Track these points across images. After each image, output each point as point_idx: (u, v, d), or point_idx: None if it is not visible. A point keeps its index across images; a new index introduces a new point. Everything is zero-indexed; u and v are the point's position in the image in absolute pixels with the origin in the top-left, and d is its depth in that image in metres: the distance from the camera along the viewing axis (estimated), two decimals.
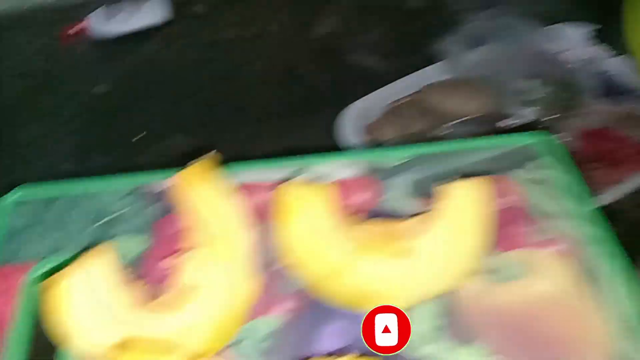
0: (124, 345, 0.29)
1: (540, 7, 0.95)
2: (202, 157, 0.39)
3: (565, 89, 0.84)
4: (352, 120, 0.83)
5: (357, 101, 0.86)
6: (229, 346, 0.36)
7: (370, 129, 0.83)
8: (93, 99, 0.92)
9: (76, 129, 0.87)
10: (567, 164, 0.44)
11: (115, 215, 0.44)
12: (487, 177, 0.38)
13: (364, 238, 0.37)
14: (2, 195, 0.46)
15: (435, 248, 0.36)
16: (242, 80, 0.95)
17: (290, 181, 0.37)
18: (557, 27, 0.90)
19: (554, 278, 0.39)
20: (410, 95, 0.88)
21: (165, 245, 0.41)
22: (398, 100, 0.88)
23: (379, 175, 0.44)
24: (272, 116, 0.88)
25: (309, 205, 0.37)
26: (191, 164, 0.38)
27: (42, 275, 0.40)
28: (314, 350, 0.36)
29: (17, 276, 0.40)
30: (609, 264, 0.38)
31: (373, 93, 0.87)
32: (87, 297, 0.33)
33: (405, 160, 0.45)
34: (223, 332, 0.35)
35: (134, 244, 0.42)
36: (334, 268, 0.36)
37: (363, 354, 0.33)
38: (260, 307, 0.38)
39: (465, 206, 0.37)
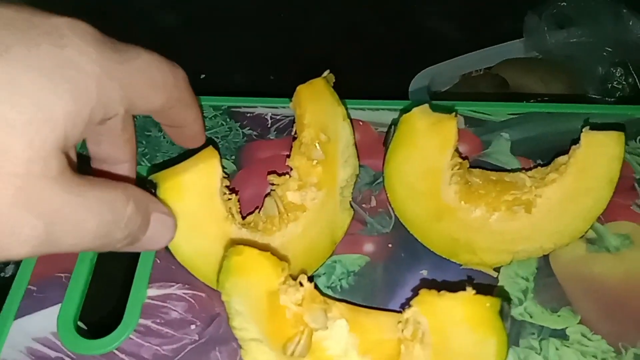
0: (234, 249, 0.28)
1: None
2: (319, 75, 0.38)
3: None
4: (423, 86, 0.81)
5: (430, 67, 0.84)
6: (317, 276, 0.35)
7: (441, 97, 0.81)
8: (159, 30, 0.92)
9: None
10: None
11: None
12: (623, 131, 0.35)
13: (472, 185, 0.36)
14: None
15: (556, 203, 0.35)
16: (310, 33, 0.93)
17: (415, 108, 0.35)
18: None
19: None
20: (486, 68, 0.86)
21: (255, 169, 0.41)
22: (472, 72, 0.86)
23: (479, 130, 0.43)
24: (342, 67, 0.86)
25: (429, 137, 0.35)
26: (310, 81, 0.37)
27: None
28: (397, 295, 0.35)
29: None
30: None
31: (447, 61, 0.85)
32: (195, 198, 0.32)
33: (509, 117, 0.43)
34: (316, 256, 0.34)
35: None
36: (437, 211, 0.35)
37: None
38: (349, 243, 0.37)
39: (599, 159, 0.35)
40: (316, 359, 0.29)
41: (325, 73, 0.38)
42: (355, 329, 0.30)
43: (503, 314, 0.27)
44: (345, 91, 0.45)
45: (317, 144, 0.36)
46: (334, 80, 0.38)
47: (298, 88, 0.37)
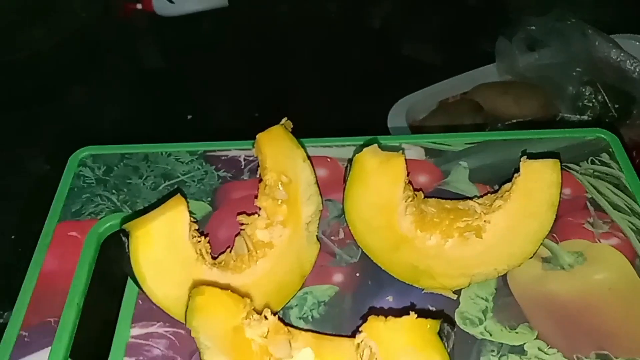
0: (196, 290, 0.31)
1: (601, 16, 0.94)
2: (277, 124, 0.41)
3: (620, 98, 0.83)
4: (401, 116, 0.84)
5: (408, 96, 0.87)
6: (289, 308, 0.38)
7: (419, 125, 0.84)
8: (144, 73, 0.95)
9: (124, 101, 0.90)
10: (627, 163, 0.45)
11: (181, 179, 0.46)
12: (558, 159, 0.38)
13: (426, 214, 0.38)
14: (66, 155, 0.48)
15: (504, 227, 0.37)
16: (295, 61, 0.97)
17: (365, 149, 0.38)
18: (617, 36, 0.89)
19: (608, 271, 0.39)
20: (462, 93, 0.89)
21: (229, 209, 0.43)
22: (448, 98, 0.89)
23: (439, 160, 0.45)
24: (323, 99, 0.89)
25: (379, 175, 0.38)
26: (269, 129, 0.40)
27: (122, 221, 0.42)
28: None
29: (79, 231, 0.43)
30: None
31: (425, 89, 0.88)
32: (164, 245, 0.35)
33: (466, 147, 0.46)
34: (286, 290, 0.37)
35: (198, 208, 0.44)
36: (395, 241, 0.37)
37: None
38: (319, 275, 0.39)
39: (538, 186, 0.37)
40: None
41: (283, 121, 0.41)
42: (320, 355, 0.32)
43: (443, 334, 0.30)
44: (322, 123, 0.48)
45: (279, 185, 0.38)
46: (291, 127, 0.41)
47: (258, 136, 0.40)
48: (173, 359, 0.36)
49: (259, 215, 0.40)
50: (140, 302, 0.39)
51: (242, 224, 0.40)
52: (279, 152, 0.39)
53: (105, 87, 0.93)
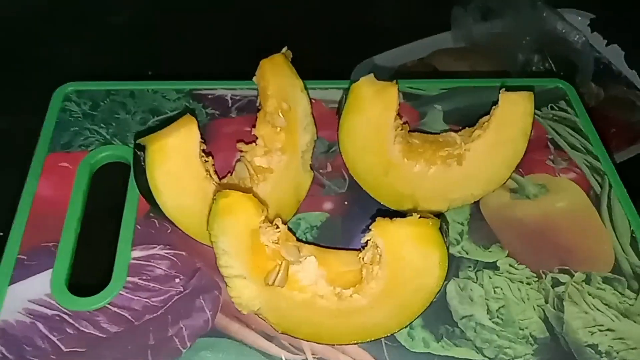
0: (221, 192, 0.33)
1: None
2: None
3: (565, 66, 0.90)
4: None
5: (369, 59, 0.90)
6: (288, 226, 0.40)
7: None
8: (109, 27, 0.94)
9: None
10: (582, 109, 0.50)
11: (169, 114, 0.47)
12: (531, 92, 0.42)
13: (412, 145, 0.42)
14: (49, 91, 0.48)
15: (482, 154, 0.41)
16: (260, 21, 0.98)
17: (363, 78, 0.41)
18: (564, 10, 0.96)
19: (567, 200, 0.44)
20: (419, 59, 0.93)
21: (220, 143, 0.45)
22: (407, 63, 0.93)
23: (416, 103, 0.49)
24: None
25: (374, 103, 0.41)
26: (271, 56, 0.42)
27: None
28: (354, 243, 0.40)
29: (70, 162, 0.43)
30: (612, 192, 0.44)
31: (384, 53, 0.92)
32: (179, 159, 0.36)
33: (440, 92, 0.50)
34: (284, 212, 0.39)
35: None
36: (384, 167, 0.40)
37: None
38: (311, 203, 0.42)
39: (514, 115, 0.41)
40: (292, 289, 0.34)
41: (284, 49, 0.43)
42: (322, 264, 0.35)
43: (442, 231, 0.33)
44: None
45: (280, 112, 0.41)
46: (291, 56, 0.43)
47: (262, 62, 0.42)
48: (176, 277, 0.38)
49: (256, 144, 0.42)
50: (139, 227, 0.40)
51: (242, 151, 0.42)
52: (280, 80, 0.41)
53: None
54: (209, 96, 0.49)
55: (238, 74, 0.51)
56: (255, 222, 0.34)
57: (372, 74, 0.42)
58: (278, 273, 0.33)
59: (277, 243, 0.34)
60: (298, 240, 0.38)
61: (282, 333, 0.34)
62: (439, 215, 0.41)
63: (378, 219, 0.34)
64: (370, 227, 0.34)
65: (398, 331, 0.34)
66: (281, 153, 0.41)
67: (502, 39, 0.93)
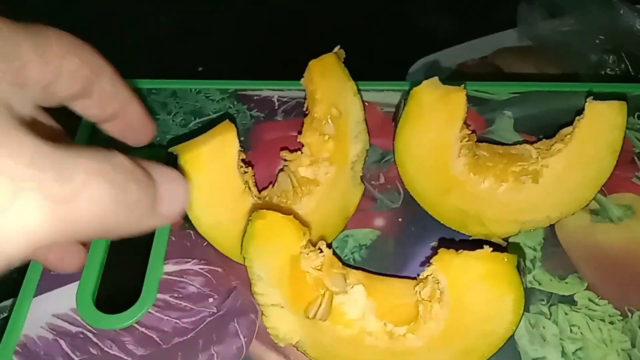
0: (257, 213, 0.29)
1: None
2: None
3: None
4: (419, 77, 0.82)
5: (425, 58, 0.85)
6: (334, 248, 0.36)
7: None
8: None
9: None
10: None
11: (212, 117, 0.44)
12: (624, 101, 0.36)
13: (479, 157, 0.37)
14: None
15: (561, 172, 0.35)
16: (304, 30, 0.94)
17: (425, 81, 0.36)
18: None
19: None
20: (481, 57, 0.87)
21: (264, 149, 0.41)
22: (468, 61, 0.87)
23: (482, 109, 0.44)
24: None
25: (437, 110, 0.36)
26: (322, 56, 0.37)
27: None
28: (409, 266, 0.36)
29: None
30: None
31: (442, 51, 0.86)
32: (214, 170, 0.33)
33: (511, 96, 0.44)
34: (329, 231, 0.35)
35: None
36: (446, 184, 0.36)
37: None
38: (360, 218, 0.38)
39: (602, 128, 0.36)
40: (336, 323, 0.30)
41: (336, 49, 0.39)
42: (372, 294, 0.31)
43: (520, 269, 0.28)
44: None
45: (329, 119, 0.36)
46: (344, 56, 0.39)
47: (310, 63, 0.38)
48: (209, 297, 0.35)
49: (302, 152, 0.38)
50: (173, 239, 0.37)
51: (286, 160, 0.38)
52: (330, 83, 0.37)
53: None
54: (255, 97, 0.45)
55: (286, 75, 0.47)
56: (295, 247, 0.30)
57: (436, 77, 0.37)
58: (320, 305, 0.29)
59: (319, 270, 0.30)
60: (344, 264, 0.33)
61: None
62: (513, 245, 0.36)
63: (441, 250, 0.30)
64: (431, 261, 0.30)
65: None
66: (329, 164, 0.36)
67: (571, 38, 0.85)
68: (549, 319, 0.34)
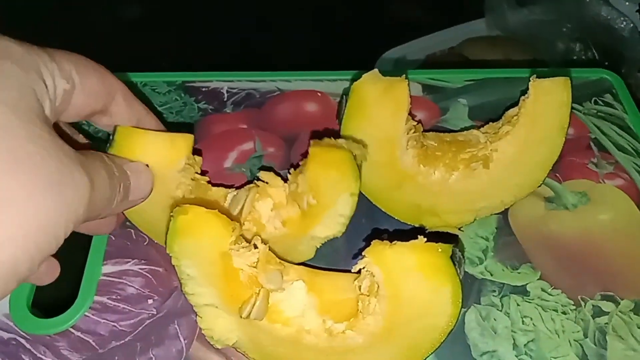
0: (179, 209, 0.27)
1: None
2: None
3: (610, 56, 0.82)
4: (389, 68, 0.81)
5: (395, 49, 0.84)
6: None
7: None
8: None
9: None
10: (631, 104, 0.43)
11: (159, 109, 0.42)
12: (567, 77, 0.35)
13: (427, 148, 0.36)
14: None
15: (512, 155, 0.34)
16: (276, 20, 0.92)
17: (365, 75, 0.35)
18: None
19: (613, 211, 0.37)
20: (450, 48, 0.86)
21: (210, 143, 0.40)
22: (437, 52, 0.86)
23: (437, 97, 0.43)
24: (311, 44, 0.85)
25: (381, 105, 0.34)
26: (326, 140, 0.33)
27: None
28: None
29: None
30: None
31: (412, 42, 0.85)
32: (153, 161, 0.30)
33: (465, 84, 0.43)
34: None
35: None
36: (396, 179, 0.34)
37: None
38: None
39: (548, 107, 0.34)
40: (273, 321, 0.28)
41: (344, 143, 0.33)
42: (314, 290, 0.29)
43: (455, 259, 0.27)
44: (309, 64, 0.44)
45: (304, 202, 0.33)
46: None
47: (313, 150, 0.32)
48: (149, 298, 0.33)
49: (284, 184, 0.35)
50: (113, 238, 0.36)
51: (257, 180, 0.35)
52: (326, 175, 0.32)
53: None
54: (203, 89, 0.44)
55: (239, 65, 0.46)
56: (224, 243, 0.28)
57: (376, 70, 0.36)
58: (254, 304, 0.28)
59: (254, 267, 0.29)
60: (284, 260, 0.32)
61: None
62: (454, 236, 0.35)
63: (374, 242, 0.28)
64: (363, 253, 0.28)
65: None
66: (282, 225, 0.34)
67: (539, 27, 0.85)
68: (501, 311, 0.33)
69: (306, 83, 0.43)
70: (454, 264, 0.27)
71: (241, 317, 0.28)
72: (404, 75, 0.35)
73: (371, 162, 0.35)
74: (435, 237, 0.33)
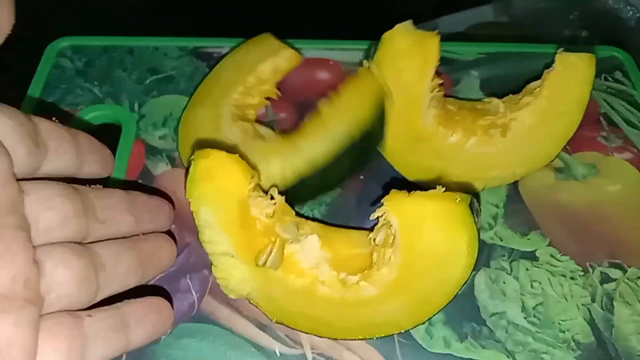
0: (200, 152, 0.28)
1: None
2: None
3: (615, 45, 0.82)
4: None
5: None
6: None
7: None
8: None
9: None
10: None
11: (169, 74, 0.42)
12: (593, 54, 0.35)
13: (448, 111, 0.36)
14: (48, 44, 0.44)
15: (529, 126, 0.35)
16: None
17: (398, 25, 0.35)
18: None
19: (621, 183, 0.38)
20: (457, 33, 0.86)
21: None
22: (450, 33, 0.86)
23: (449, 68, 0.43)
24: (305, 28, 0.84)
25: (410, 57, 0.34)
26: None
27: None
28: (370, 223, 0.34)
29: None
30: None
31: (417, 26, 0.85)
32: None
33: (478, 57, 0.44)
34: None
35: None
36: (414, 136, 0.35)
37: None
38: None
39: (571, 81, 0.35)
40: (289, 272, 0.29)
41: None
42: (327, 245, 0.30)
43: (473, 209, 0.27)
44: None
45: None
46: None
47: None
48: None
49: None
50: None
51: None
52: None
53: None
54: (215, 55, 0.44)
55: (249, 32, 0.45)
56: (243, 190, 0.28)
57: (410, 21, 0.36)
58: (271, 253, 0.28)
59: (271, 217, 0.29)
60: (299, 215, 0.32)
61: (277, 322, 0.29)
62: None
63: (393, 191, 0.29)
64: (382, 201, 0.29)
65: (412, 329, 0.29)
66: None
67: (546, 14, 0.85)
68: (510, 275, 0.33)
69: (317, 51, 0.43)
70: (472, 213, 0.27)
71: (257, 265, 0.28)
72: (437, 30, 0.36)
73: (393, 116, 0.35)
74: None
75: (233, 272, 0.28)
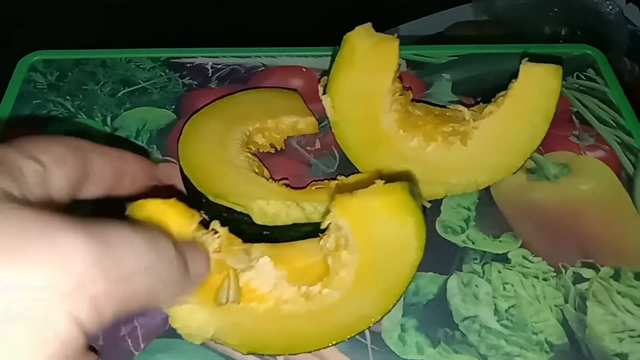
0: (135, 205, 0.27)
1: None
2: None
3: (596, 40, 0.82)
4: None
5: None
6: None
7: None
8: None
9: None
10: (613, 78, 0.43)
11: (142, 85, 0.42)
12: (560, 65, 0.36)
13: (411, 115, 0.36)
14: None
15: (491, 135, 0.35)
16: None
17: (358, 27, 0.35)
18: None
19: (594, 182, 0.38)
20: (437, 33, 0.86)
21: None
22: (423, 37, 0.86)
23: (421, 72, 0.43)
24: (296, 27, 0.85)
25: (369, 59, 0.35)
26: None
27: None
28: None
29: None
30: None
31: (399, 26, 0.85)
32: None
33: (449, 59, 0.44)
34: None
35: (159, 116, 0.40)
36: (374, 138, 0.35)
37: None
38: (297, 184, 0.37)
39: (536, 92, 0.35)
40: (249, 300, 0.29)
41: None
42: (280, 262, 0.29)
43: (413, 193, 0.28)
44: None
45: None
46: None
47: None
48: None
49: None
50: None
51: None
52: None
53: None
54: (188, 65, 0.44)
55: (223, 42, 0.45)
56: (186, 232, 0.27)
57: (369, 23, 0.36)
58: (229, 288, 0.28)
59: (219, 251, 0.29)
60: (244, 240, 0.31)
61: (249, 354, 0.29)
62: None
63: (336, 196, 0.29)
64: (328, 208, 0.29)
65: (380, 319, 0.29)
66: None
67: (526, 11, 0.85)
68: (482, 278, 0.33)
69: (291, 59, 0.44)
70: (415, 198, 0.28)
71: (218, 305, 0.28)
72: (396, 34, 0.36)
73: (354, 115, 0.35)
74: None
75: (192, 319, 0.28)
